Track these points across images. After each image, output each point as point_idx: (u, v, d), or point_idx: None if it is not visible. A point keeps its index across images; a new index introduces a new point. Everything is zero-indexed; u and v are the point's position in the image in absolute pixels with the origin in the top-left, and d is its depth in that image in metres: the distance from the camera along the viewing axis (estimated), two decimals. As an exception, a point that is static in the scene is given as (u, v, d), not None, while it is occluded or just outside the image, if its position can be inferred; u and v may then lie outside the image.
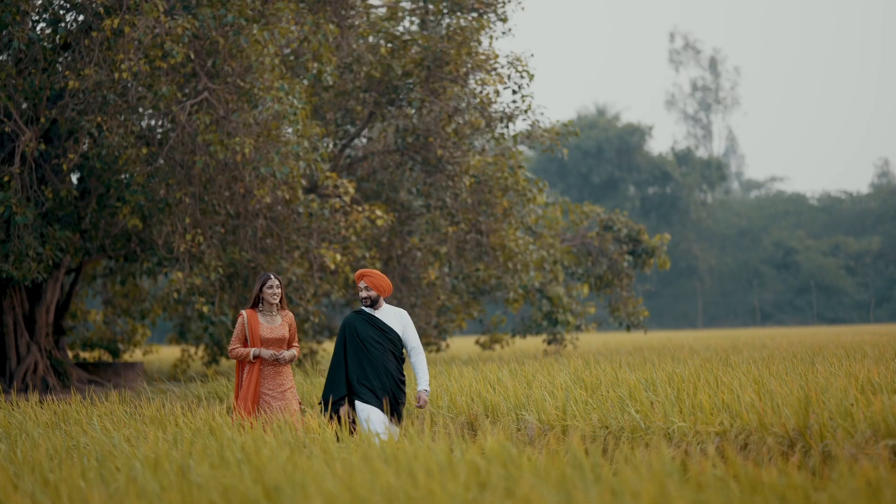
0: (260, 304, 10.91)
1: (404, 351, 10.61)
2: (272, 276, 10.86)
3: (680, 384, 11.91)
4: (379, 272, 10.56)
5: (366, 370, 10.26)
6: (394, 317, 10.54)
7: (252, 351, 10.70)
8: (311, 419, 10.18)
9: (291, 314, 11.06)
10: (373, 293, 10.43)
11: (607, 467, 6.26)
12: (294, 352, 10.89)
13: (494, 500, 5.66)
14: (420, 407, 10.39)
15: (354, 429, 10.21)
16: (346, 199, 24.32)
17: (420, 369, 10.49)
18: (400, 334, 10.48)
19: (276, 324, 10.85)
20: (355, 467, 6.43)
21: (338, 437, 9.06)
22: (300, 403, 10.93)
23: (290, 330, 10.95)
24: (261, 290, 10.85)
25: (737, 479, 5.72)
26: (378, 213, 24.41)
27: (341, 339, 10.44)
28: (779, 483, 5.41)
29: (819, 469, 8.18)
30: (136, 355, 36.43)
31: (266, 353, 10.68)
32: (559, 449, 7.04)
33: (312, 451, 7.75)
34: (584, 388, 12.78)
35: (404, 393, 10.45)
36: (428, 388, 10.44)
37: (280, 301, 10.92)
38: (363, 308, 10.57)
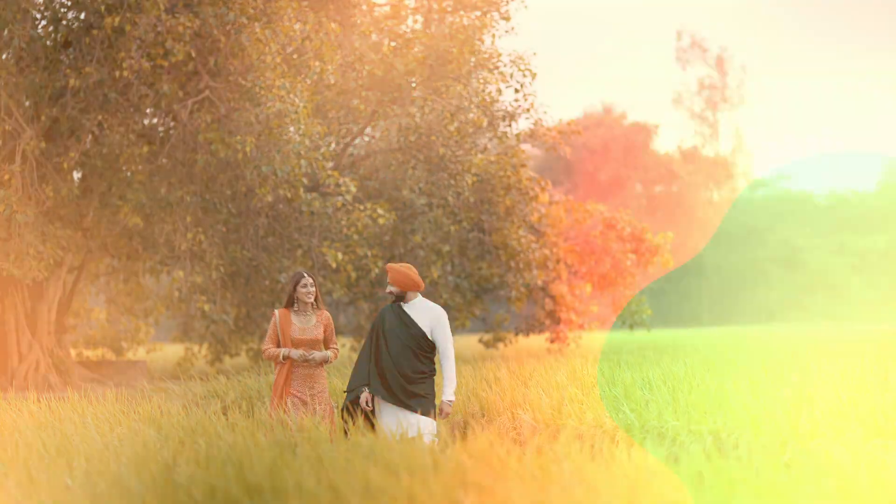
0: (295, 304, 10.61)
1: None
2: (306, 275, 10.53)
3: (675, 383, 11.90)
4: (404, 267, 10.11)
5: (381, 363, 9.99)
6: (423, 313, 10.15)
7: (282, 351, 10.43)
8: (305, 419, 10.14)
9: (328, 314, 10.69)
10: (394, 288, 10.13)
11: (592, 466, 6.26)
12: (328, 353, 10.52)
13: (475, 500, 5.66)
14: (441, 418, 10.02)
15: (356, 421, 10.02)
16: (348, 197, 24.31)
17: (446, 375, 10.04)
18: (426, 332, 10.07)
19: (311, 324, 10.54)
20: (340, 466, 6.43)
21: (331, 438, 9.04)
22: (332, 408, 10.61)
23: (325, 331, 10.61)
24: (294, 289, 10.54)
25: (716, 477, 5.72)
26: (380, 211, 24.38)
27: (371, 330, 10.22)
28: (755, 481, 5.41)
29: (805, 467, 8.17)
30: (139, 353, 36.41)
31: (295, 353, 10.40)
32: (548, 448, 7.04)
33: (302, 451, 7.74)
34: (580, 387, 12.76)
35: (420, 388, 9.96)
36: (452, 399, 10.01)
37: (315, 300, 10.60)
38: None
